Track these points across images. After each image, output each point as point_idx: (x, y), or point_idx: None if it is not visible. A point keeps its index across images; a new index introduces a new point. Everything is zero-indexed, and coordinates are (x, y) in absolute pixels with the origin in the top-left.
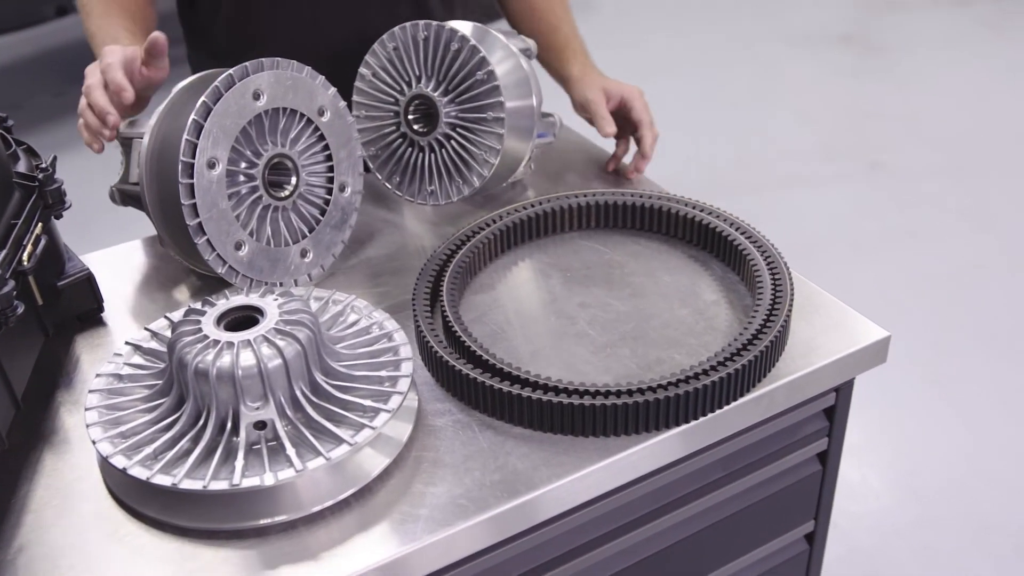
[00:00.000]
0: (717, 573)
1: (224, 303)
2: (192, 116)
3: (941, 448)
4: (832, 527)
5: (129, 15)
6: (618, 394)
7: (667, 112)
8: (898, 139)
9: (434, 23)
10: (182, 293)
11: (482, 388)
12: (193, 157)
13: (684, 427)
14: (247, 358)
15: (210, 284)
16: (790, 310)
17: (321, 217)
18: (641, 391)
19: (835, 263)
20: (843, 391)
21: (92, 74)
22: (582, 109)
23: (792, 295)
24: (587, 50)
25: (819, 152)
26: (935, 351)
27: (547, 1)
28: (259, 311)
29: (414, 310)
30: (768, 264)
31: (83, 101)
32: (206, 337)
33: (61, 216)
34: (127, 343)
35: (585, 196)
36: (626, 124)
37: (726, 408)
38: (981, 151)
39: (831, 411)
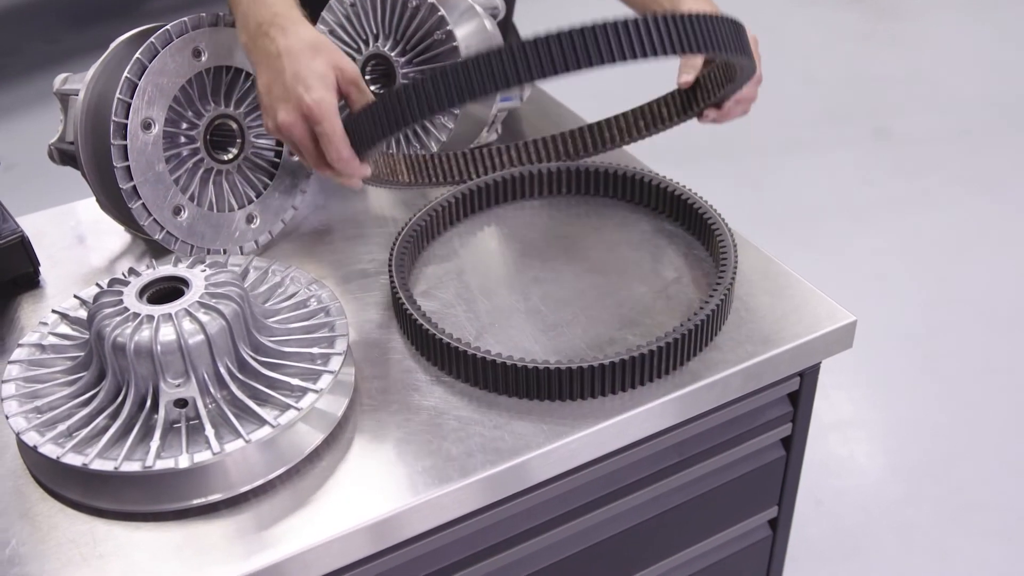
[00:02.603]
0: (677, 557)
1: (150, 273)
2: (125, 74)
3: (929, 425)
4: (816, 504)
5: None
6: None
7: (668, 71)
8: (905, 104)
9: None
10: (128, 257)
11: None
12: (126, 117)
13: (634, 411)
14: (167, 333)
15: (156, 249)
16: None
17: (269, 181)
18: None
19: (834, 230)
20: (808, 376)
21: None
22: None
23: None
24: None
25: (824, 116)
26: (930, 324)
27: None
28: (185, 282)
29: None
30: (718, 238)
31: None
32: (126, 310)
33: None
34: (54, 311)
35: (551, 162)
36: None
37: (681, 392)
38: (989, 118)
39: (795, 396)
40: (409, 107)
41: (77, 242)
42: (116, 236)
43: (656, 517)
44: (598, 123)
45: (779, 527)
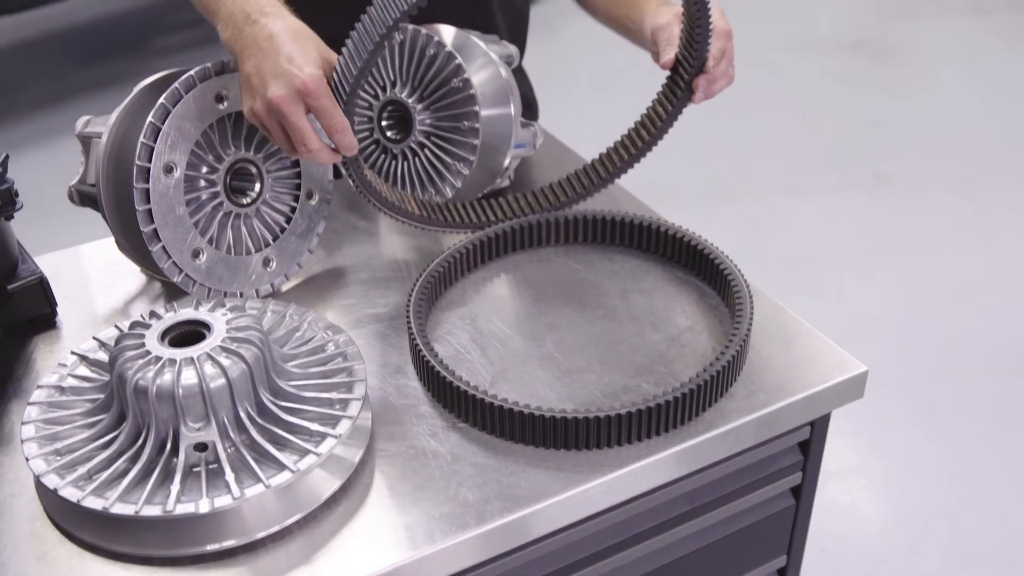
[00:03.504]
0: None
1: (171, 316)
2: (149, 118)
3: (933, 474)
4: (820, 552)
5: None
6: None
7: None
8: (905, 149)
9: (411, 26)
10: (144, 299)
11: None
12: (149, 161)
13: (649, 460)
14: (189, 376)
15: (172, 290)
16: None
17: (286, 225)
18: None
19: (835, 275)
20: (818, 425)
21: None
22: (652, 43)
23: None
24: None
25: (824, 160)
26: (931, 371)
27: None
28: (206, 326)
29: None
30: (733, 288)
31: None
32: (148, 352)
33: (12, 217)
34: (73, 353)
35: (564, 210)
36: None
37: (696, 441)
38: (988, 164)
39: (806, 444)
40: (373, 22)
41: (92, 283)
42: (131, 277)
43: (667, 565)
44: (607, 151)
45: None
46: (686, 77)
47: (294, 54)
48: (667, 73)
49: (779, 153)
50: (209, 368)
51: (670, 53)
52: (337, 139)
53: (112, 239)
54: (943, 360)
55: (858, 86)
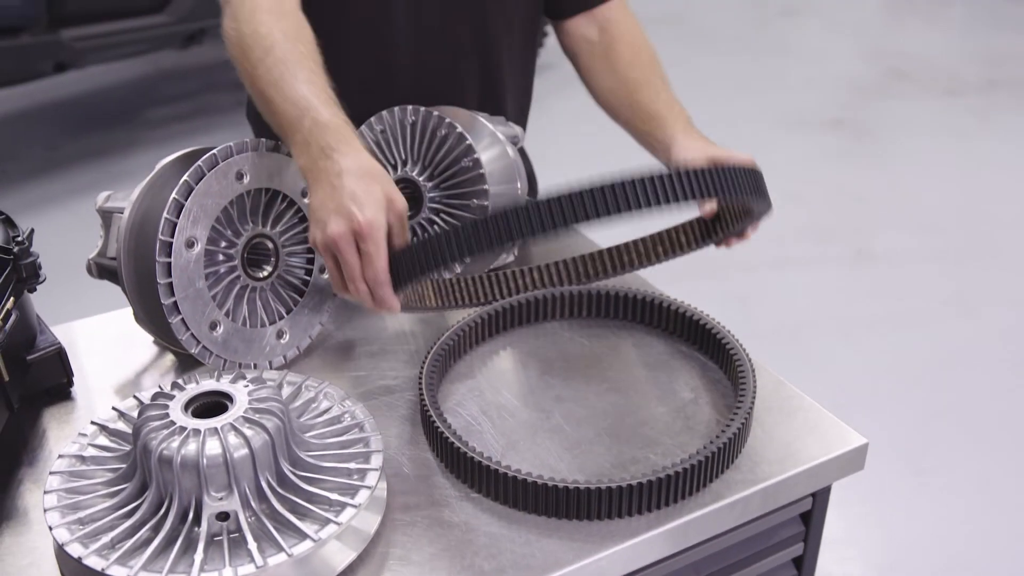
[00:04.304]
0: None
1: (193, 387)
2: (173, 195)
3: (923, 542)
4: None
5: (317, 64)
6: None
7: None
8: (886, 224)
9: (422, 108)
10: (156, 369)
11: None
12: (172, 236)
13: (659, 530)
14: (213, 447)
15: (184, 361)
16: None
17: (299, 298)
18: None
19: (821, 347)
20: (820, 496)
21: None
22: None
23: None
24: (689, 118)
25: (808, 234)
26: (919, 442)
27: (644, 74)
28: (228, 397)
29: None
30: (736, 363)
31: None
32: (172, 423)
33: (35, 290)
34: (93, 423)
35: (568, 287)
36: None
37: (705, 511)
38: (966, 238)
39: (807, 515)
40: (449, 250)
41: (104, 354)
42: (145, 349)
43: None
44: (617, 247)
45: None
46: (720, 234)
47: (359, 193)
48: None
49: (766, 228)
50: (233, 439)
51: (713, 203)
52: (373, 290)
53: (123, 310)
54: (929, 430)
55: (840, 162)
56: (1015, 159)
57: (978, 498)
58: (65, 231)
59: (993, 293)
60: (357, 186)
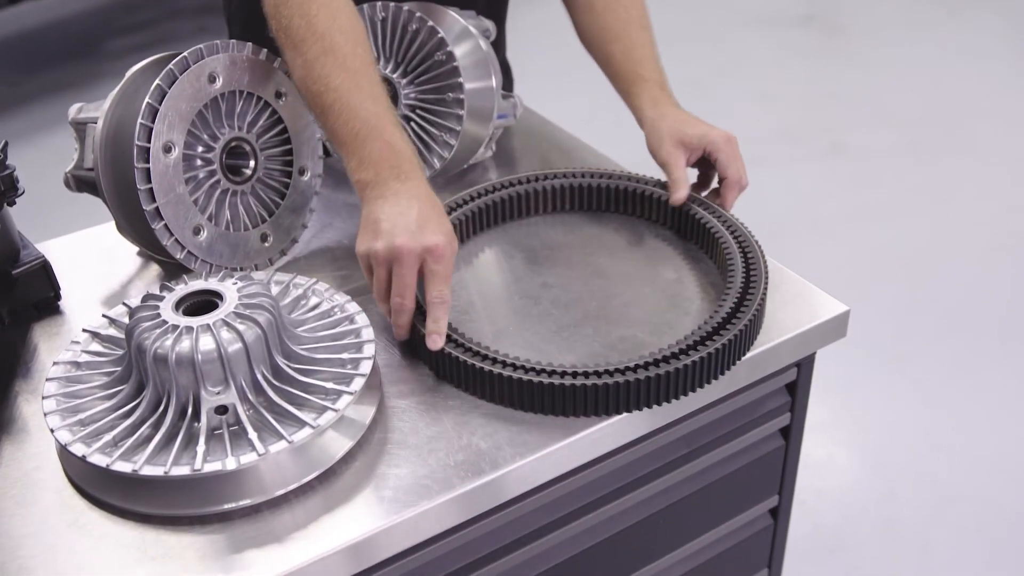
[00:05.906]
0: (684, 549)
1: (183, 288)
2: (147, 99)
3: (903, 424)
4: (798, 504)
5: (375, 69)
6: (586, 375)
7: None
8: (858, 120)
9: (392, 4)
10: (141, 280)
11: (455, 363)
12: (148, 141)
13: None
14: (207, 342)
15: (169, 270)
16: (765, 291)
17: (280, 201)
18: (610, 372)
19: (797, 243)
20: (804, 366)
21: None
22: (660, 164)
23: (767, 276)
24: (664, 79)
25: (781, 133)
26: (895, 330)
27: (621, 21)
28: (218, 295)
29: None
30: (739, 243)
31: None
32: (165, 322)
33: (14, 203)
34: (85, 330)
35: (547, 179)
36: (711, 171)
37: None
38: (937, 131)
39: (793, 386)
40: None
41: (90, 268)
42: (128, 262)
43: (665, 509)
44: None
45: (780, 516)
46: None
47: (431, 219)
48: None
49: (737, 128)
50: (226, 334)
51: (680, 195)
52: (431, 309)
53: (102, 225)
54: (905, 319)
55: (811, 59)
56: (987, 51)
57: (952, 382)
58: (35, 166)
59: (967, 184)
60: (431, 212)
